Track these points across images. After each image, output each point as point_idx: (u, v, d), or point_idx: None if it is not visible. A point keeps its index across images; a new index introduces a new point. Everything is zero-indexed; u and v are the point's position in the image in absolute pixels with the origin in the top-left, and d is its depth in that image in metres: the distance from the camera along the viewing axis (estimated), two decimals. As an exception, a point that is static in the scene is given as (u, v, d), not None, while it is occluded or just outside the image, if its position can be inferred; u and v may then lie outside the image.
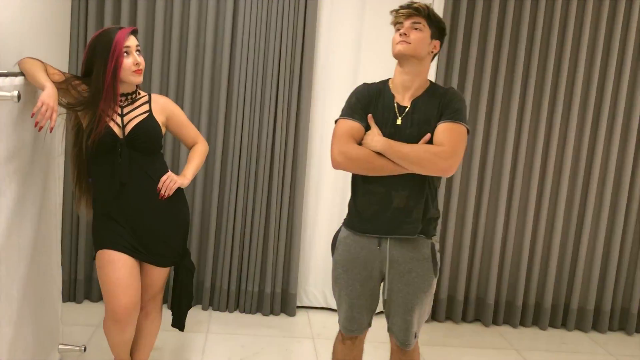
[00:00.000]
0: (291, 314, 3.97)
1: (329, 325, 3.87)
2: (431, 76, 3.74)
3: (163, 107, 2.57)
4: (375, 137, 2.24)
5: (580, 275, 4.11)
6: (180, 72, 3.76)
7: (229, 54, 3.71)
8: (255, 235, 3.84)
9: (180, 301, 2.73)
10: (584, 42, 3.87)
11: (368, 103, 2.31)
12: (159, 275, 2.61)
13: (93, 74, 2.37)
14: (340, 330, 2.50)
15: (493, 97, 3.92)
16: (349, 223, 2.40)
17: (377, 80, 2.40)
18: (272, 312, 3.96)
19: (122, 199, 2.46)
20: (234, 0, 3.68)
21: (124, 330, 2.50)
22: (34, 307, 2.67)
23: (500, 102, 3.90)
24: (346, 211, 2.44)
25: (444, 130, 2.22)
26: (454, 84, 3.83)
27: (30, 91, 2.42)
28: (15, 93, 2.06)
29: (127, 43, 2.36)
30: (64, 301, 3.35)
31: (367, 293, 2.37)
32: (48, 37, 3.20)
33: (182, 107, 3.74)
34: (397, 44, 2.25)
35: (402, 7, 2.27)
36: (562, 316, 4.19)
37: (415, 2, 2.27)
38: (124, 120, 2.44)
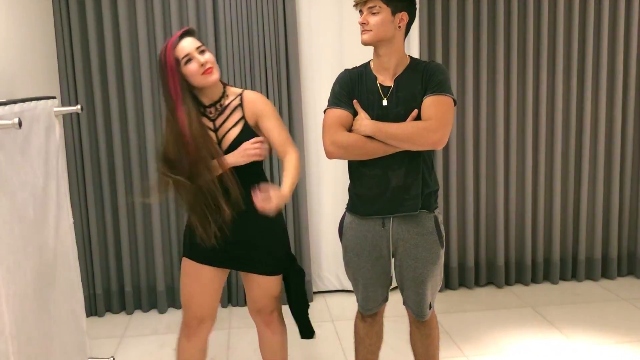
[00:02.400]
0: (309, 300, 4.03)
1: (347, 306, 3.93)
2: (414, 52, 3.79)
3: (253, 110, 2.33)
4: (364, 122, 2.25)
5: (584, 226, 4.17)
6: (156, 74, 3.74)
7: (215, 56, 3.73)
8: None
9: (299, 308, 2.52)
10: (559, 8, 3.91)
11: (352, 89, 2.32)
12: (268, 284, 2.43)
13: (164, 96, 2.29)
14: (358, 310, 2.56)
15: (478, 66, 3.96)
16: (352, 208, 2.43)
17: (359, 63, 2.40)
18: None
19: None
20: (212, 1, 3.70)
21: (189, 340, 2.44)
22: (60, 325, 2.72)
23: (486, 69, 3.94)
24: (347, 195, 2.48)
25: (430, 103, 2.22)
26: (438, 56, 3.87)
27: (30, 116, 2.46)
28: (17, 120, 2.09)
29: (183, 53, 2.21)
30: (86, 316, 3.40)
31: (380, 272, 2.41)
32: (37, 59, 3.22)
33: (159, 109, 3.77)
34: (361, 34, 2.25)
35: None
36: (571, 268, 4.26)
37: None
38: (219, 135, 2.31)
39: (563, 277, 4.25)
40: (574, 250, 4.24)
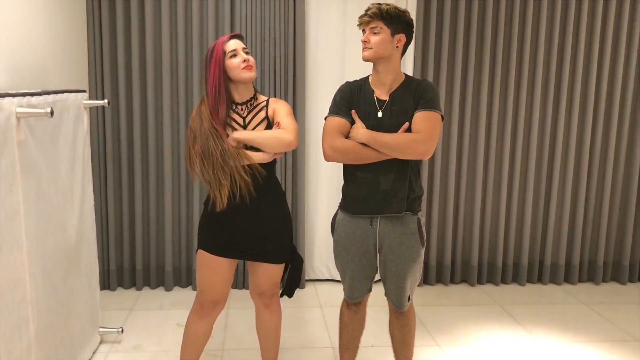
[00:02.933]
0: (301, 286, 4.05)
1: (334, 294, 3.94)
2: (409, 70, 3.81)
3: (274, 107, 2.39)
4: (360, 130, 2.27)
5: (551, 235, 4.19)
6: (187, 85, 3.78)
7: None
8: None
9: (291, 285, 2.56)
10: (542, 23, 3.93)
11: (351, 100, 2.34)
12: (274, 271, 2.46)
13: (203, 85, 2.34)
14: (344, 298, 2.58)
15: (465, 85, 3.97)
16: (344, 206, 2.44)
17: (359, 77, 2.43)
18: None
19: (237, 203, 2.31)
20: (231, 6, 3.70)
21: (202, 319, 2.45)
22: (77, 296, 2.73)
23: (471, 89, 3.95)
24: (341, 196, 2.50)
25: (420, 118, 2.24)
26: (430, 74, 3.88)
27: (61, 107, 2.46)
28: (49, 109, 2.10)
29: (230, 48, 2.28)
30: (100, 289, 3.41)
31: (365, 265, 2.43)
32: (69, 55, 3.22)
33: (177, 108, 3.77)
34: (362, 50, 2.29)
35: (361, 16, 2.28)
36: (537, 272, 4.27)
37: (372, 6, 2.25)
38: (247, 129, 2.35)
39: (530, 280, 4.27)
40: (540, 255, 4.26)
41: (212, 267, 2.39)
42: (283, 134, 2.28)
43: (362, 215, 2.37)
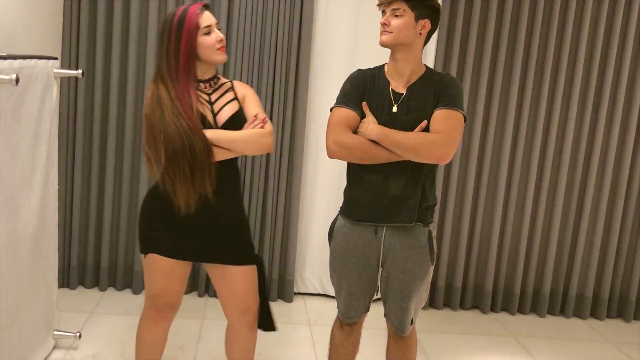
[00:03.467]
0: (288, 300, 4.05)
1: (326, 312, 3.93)
2: (429, 63, 3.80)
3: (242, 92, 2.40)
4: (370, 125, 2.26)
5: (579, 262, 4.19)
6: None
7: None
8: (253, 222, 3.89)
9: (263, 298, 2.49)
10: (584, 26, 3.92)
11: (363, 90, 2.32)
12: (250, 275, 2.40)
13: (161, 61, 2.26)
14: (338, 316, 2.57)
15: (492, 84, 3.97)
16: (345, 211, 2.43)
17: (373, 65, 2.41)
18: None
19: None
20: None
21: (158, 325, 2.47)
22: (30, 293, 2.72)
23: (499, 89, 3.95)
24: (340, 201, 2.49)
25: (440, 117, 2.23)
26: (452, 69, 3.88)
27: (28, 74, 2.46)
28: (14, 76, 2.09)
29: (205, 23, 2.23)
30: (58, 287, 3.40)
31: (365, 281, 2.42)
32: (42, 17, 3.22)
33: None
34: (380, 34, 2.27)
35: None
36: (560, 303, 4.27)
37: None
38: (214, 109, 2.32)
39: (551, 311, 4.27)
40: (565, 285, 4.26)
41: (169, 271, 2.38)
42: (264, 137, 2.27)
43: (366, 223, 2.36)
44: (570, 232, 4.17)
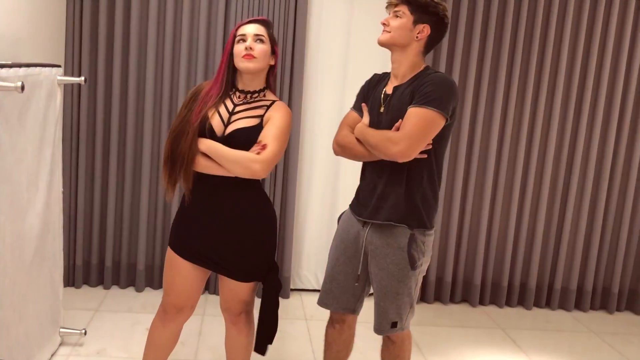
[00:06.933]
0: (285, 296, 4.05)
1: (322, 307, 3.93)
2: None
3: (272, 113, 2.27)
4: (357, 125, 2.32)
5: (564, 257, 4.21)
6: (174, 68, 3.79)
7: (221, 50, 3.74)
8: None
9: (262, 323, 2.40)
10: (566, 31, 3.95)
11: (366, 93, 2.42)
12: (239, 289, 2.38)
13: None
14: (330, 314, 2.57)
15: (479, 88, 3.99)
16: (351, 203, 2.50)
17: (365, 71, 2.49)
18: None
19: (210, 201, 2.30)
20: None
21: (165, 325, 2.43)
22: (37, 291, 2.72)
23: (485, 92, 3.97)
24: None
25: (407, 115, 2.17)
26: (442, 69, 3.89)
27: (32, 82, 2.47)
28: (19, 84, 2.09)
29: (242, 31, 2.26)
30: (63, 286, 3.40)
31: (349, 272, 2.42)
32: (45, 26, 3.23)
33: (160, 91, 3.78)
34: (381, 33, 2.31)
35: None
36: (546, 296, 4.29)
37: None
38: (231, 119, 2.26)
39: (537, 304, 4.29)
40: (550, 278, 4.28)
41: (175, 267, 2.37)
42: (253, 163, 2.15)
43: (358, 217, 2.40)
44: (555, 228, 4.20)
